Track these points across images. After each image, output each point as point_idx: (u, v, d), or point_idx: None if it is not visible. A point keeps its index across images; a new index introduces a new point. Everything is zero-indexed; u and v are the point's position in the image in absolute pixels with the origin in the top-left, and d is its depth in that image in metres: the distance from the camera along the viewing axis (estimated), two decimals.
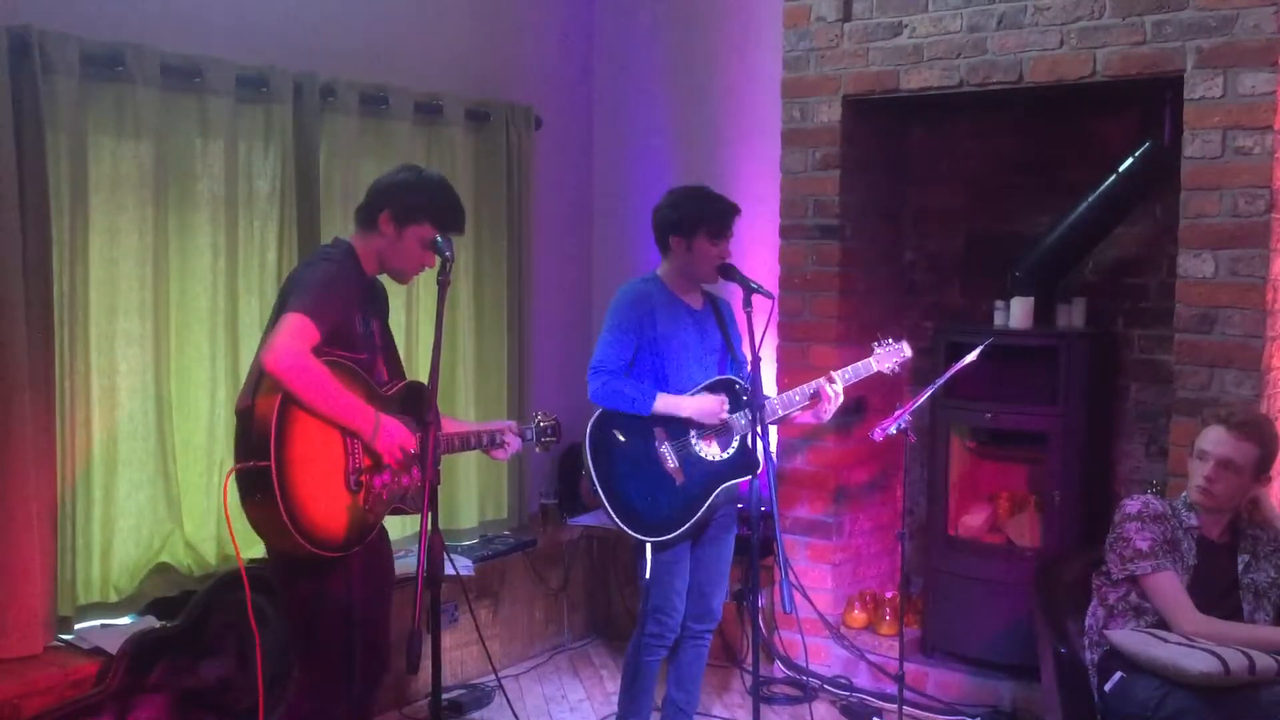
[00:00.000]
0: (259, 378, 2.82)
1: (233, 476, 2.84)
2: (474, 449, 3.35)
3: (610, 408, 3.58)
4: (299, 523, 2.78)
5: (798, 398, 3.67)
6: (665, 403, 3.56)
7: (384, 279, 3.19)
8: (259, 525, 2.86)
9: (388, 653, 3.21)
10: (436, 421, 2.84)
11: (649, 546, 3.58)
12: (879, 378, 3.81)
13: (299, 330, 2.80)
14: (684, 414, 3.57)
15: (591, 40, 5.62)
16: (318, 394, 2.81)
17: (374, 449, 2.92)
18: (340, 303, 2.94)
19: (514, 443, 3.37)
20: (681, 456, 3.60)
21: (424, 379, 3.00)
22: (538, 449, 3.51)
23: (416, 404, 3.11)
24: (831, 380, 3.64)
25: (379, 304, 3.20)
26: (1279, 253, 3.74)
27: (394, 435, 2.95)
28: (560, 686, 4.72)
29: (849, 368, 3.72)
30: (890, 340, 3.80)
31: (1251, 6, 3.64)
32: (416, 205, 3.04)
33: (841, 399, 3.65)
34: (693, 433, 3.62)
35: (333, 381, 2.84)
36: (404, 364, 4.50)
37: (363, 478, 2.93)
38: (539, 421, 3.48)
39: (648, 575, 3.61)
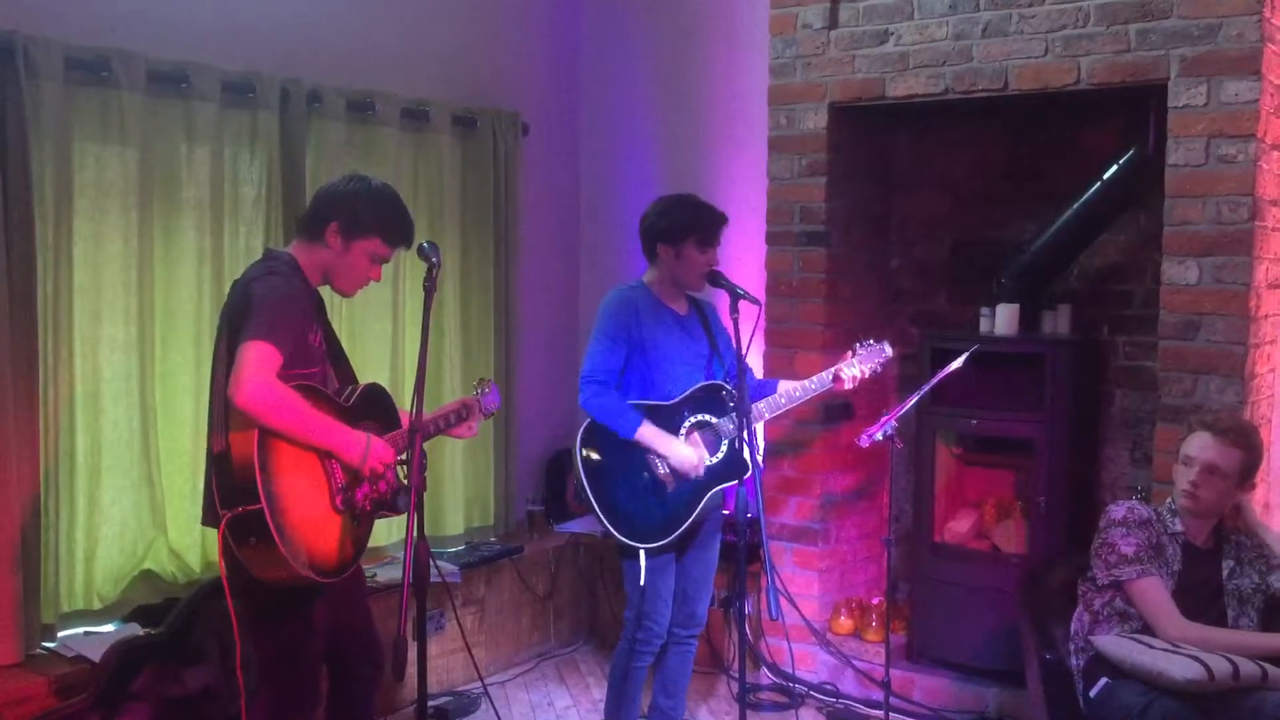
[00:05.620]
0: (227, 414, 2.72)
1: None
2: (438, 434, 3.28)
3: (596, 420, 3.58)
4: (300, 556, 2.72)
5: (814, 385, 3.70)
6: (647, 435, 3.54)
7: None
8: (258, 568, 2.75)
9: (379, 652, 3.18)
10: (421, 427, 2.81)
11: (643, 552, 3.58)
12: (863, 384, 3.81)
13: (263, 359, 2.69)
14: (661, 453, 3.56)
15: (578, 47, 5.63)
16: (295, 421, 2.74)
17: (360, 471, 2.87)
18: (296, 321, 2.86)
19: (476, 412, 3.31)
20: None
21: (410, 384, 2.97)
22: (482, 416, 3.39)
23: (377, 408, 3.07)
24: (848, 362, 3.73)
25: (321, 312, 3.10)
26: (1262, 260, 3.77)
27: (378, 454, 2.90)
28: (547, 694, 4.71)
29: (835, 367, 3.74)
30: (871, 341, 3.82)
31: (1235, 15, 3.67)
32: (366, 218, 2.95)
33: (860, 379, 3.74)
34: (681, 437, 3.62)
35: (306, 405, 2.77)
36: (391, 370, 4.54)
37: (345, 495, 2.88)
38: (482, 389, 3.40)
39: (641, 581, 3.60)
